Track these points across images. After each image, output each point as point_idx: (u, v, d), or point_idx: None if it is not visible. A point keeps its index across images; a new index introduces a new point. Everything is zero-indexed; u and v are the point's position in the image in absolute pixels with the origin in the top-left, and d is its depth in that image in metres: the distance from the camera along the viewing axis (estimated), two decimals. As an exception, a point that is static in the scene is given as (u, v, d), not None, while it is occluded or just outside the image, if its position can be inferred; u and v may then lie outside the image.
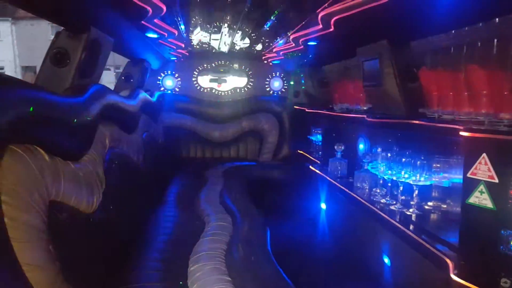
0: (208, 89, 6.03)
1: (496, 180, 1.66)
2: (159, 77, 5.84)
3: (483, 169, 1.70)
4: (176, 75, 5.92)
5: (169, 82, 5.90)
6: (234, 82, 6.07)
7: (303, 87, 5.69)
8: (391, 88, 2.83)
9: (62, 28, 2.44)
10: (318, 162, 4.82)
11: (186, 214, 3.09)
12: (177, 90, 5.94)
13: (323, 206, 4.14)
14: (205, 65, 5.94)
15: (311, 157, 5.15)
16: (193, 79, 6.00)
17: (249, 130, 5.76)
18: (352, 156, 3.97)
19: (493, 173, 1.67)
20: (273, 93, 6.08)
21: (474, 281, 1.72)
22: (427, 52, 2.70)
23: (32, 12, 2.21)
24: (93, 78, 2.74)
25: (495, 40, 2.01)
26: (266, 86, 6.09)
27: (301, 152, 5.54)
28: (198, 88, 6.01)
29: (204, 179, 4.37)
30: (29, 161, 1.35)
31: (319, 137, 5.10)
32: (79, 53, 2.42)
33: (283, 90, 6.07)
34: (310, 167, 4.65)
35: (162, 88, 5.87)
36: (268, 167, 5.30)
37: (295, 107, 5.76)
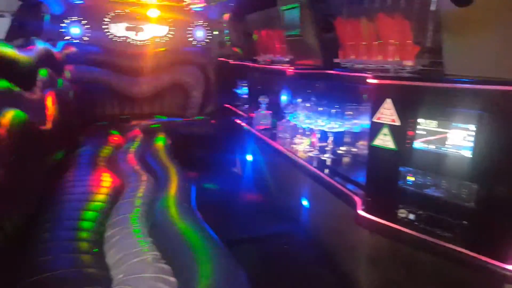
0: (123, 38, 5.60)
1: (398, 123, 1.85)
2: (62, 25, 5.23)
3: (387, 113, 1.88)
4: (84, 22, 5.35)
5: (75, 30, 5.31)
6: (153, 31, 5.70)
7: (227, 37, 5.55)
8: (309, 38, 2.91)
9: None
10: (245, 115, 4.86)
11: (103, 177, 2.91)
12: (86, 39, 5.40)
13: (250, 158, 4.27)
14: (118, 11, 5.45)
15: (238, 111, 5.17)
16: (105, 27, 5.49)
17: (172, 84, 5.53)
18: (276, 107, 4.09)
19: (395, 116, 1.85)
20: (197, 43, 5.87)
21: (378, 214, 1.96)
22: (344, 2, 2.79)
23: None
24: None
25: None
26: (189, 36, 5.84)
27: (228, 106, 5.52)
28: (111, 37, 5.54)
29: (123, 137, 4.17)
30: None
31: (245, 90, 5.13)
32: None
33: (207, 40, 5.89)
34: (237, 120, 4.70)
35: (67, 37, 5.29)
36: (194, 122, 5.23)
37: (219, 59, 5.63)
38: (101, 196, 2.56)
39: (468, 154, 1.61)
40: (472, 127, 1.59)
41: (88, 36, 5.39)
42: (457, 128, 1.64)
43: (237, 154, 4.48)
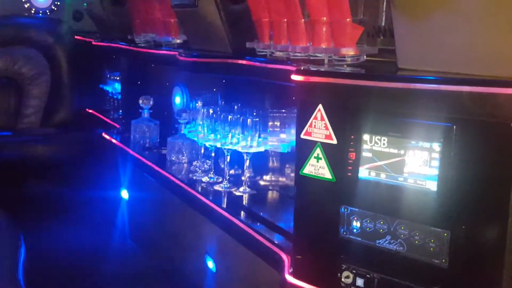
0: None
1: (335, 141, 1.87)
2: None
3: (319, 126, 1.90)
4: None
5: None
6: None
7: (85, 4, 5.58)
8: (209, 10, 2.91)
9: None
10: (118, 126, 4.87)
11: None
12: None
13: (125, 195, 4.19)
14: None
15: (107, 119, 5.17)
16: None
17: (-4, 77, 5.39)
18: (166, 115, 4.07)
19: (330, 131, 1.88)
20: (37, 12, 5.84)
21: (312, 280, 1.96)
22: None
23: None
24: None
25: None
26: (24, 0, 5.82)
27: (90, 111, 5.52)
28: None
29: None
30: None
31: (118, 87, 5.15)
32: None
33: (54, 8, 5.90)
34: (104, 135, 4.66)
35: None
36: (33, 140, 5.16)
37: (76, 37, 5.66)
38: None
39: (433, 186, 1.66)
40: (437, 146, 1.65)
41: None
42: (417, 148, 1.69)
43: (104, 189, 4.40)
